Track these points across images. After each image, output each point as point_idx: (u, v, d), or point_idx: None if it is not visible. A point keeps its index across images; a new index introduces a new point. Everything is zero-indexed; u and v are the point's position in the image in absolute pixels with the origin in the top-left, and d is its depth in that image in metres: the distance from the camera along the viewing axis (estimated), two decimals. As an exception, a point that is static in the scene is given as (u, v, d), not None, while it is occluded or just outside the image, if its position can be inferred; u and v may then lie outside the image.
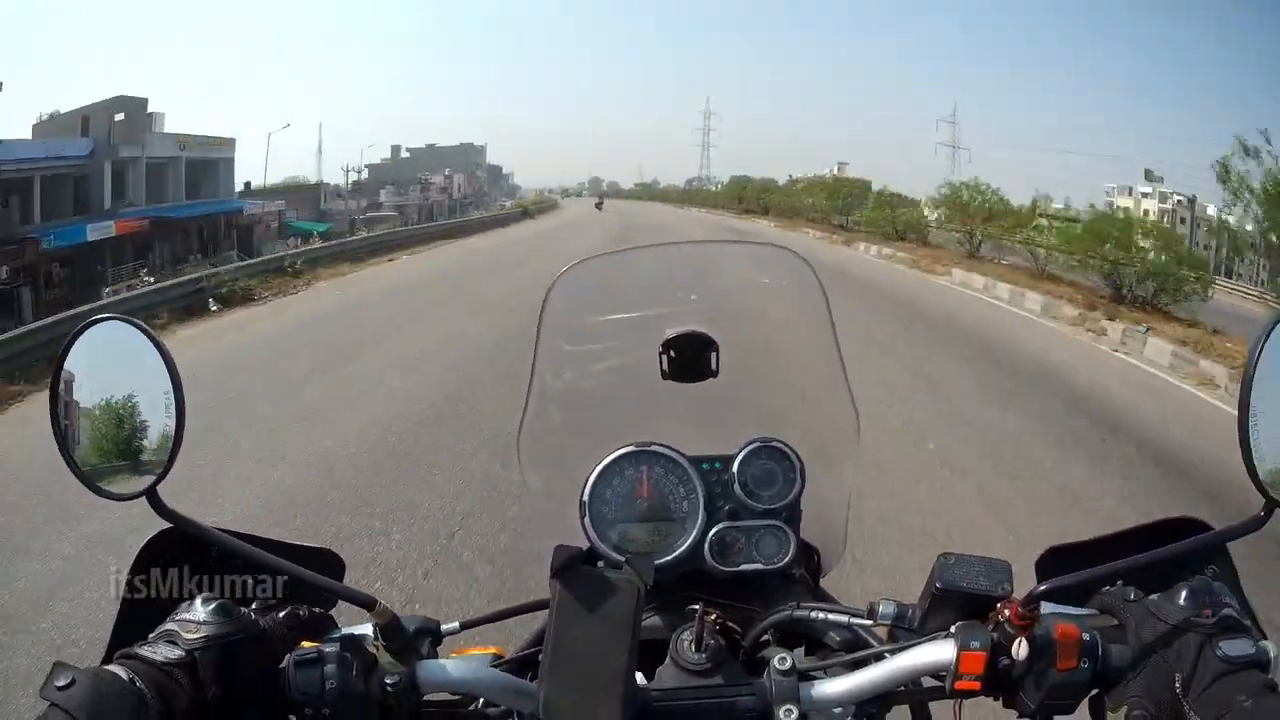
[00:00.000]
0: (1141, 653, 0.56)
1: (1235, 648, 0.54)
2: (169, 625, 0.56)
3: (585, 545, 0.73)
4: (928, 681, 0.60)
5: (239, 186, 25.72)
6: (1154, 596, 0.58)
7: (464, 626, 0.68)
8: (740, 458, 0.77)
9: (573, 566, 0.56)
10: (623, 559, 0.60)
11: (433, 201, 36.56)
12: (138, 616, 0.60)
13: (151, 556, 0.66)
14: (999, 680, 0.58)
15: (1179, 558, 0.60)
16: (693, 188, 50.12)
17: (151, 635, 0.55)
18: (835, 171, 34.97)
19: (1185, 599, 0.56)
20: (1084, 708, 0.59)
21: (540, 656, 0.56)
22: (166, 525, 0.58)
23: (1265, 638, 0.56)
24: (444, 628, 0.65)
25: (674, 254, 1.03)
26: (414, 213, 33.15)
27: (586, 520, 0.75)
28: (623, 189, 60.46)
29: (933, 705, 0.65)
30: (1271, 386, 0.56)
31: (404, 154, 47.27)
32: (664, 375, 0.82)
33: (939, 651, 0.58)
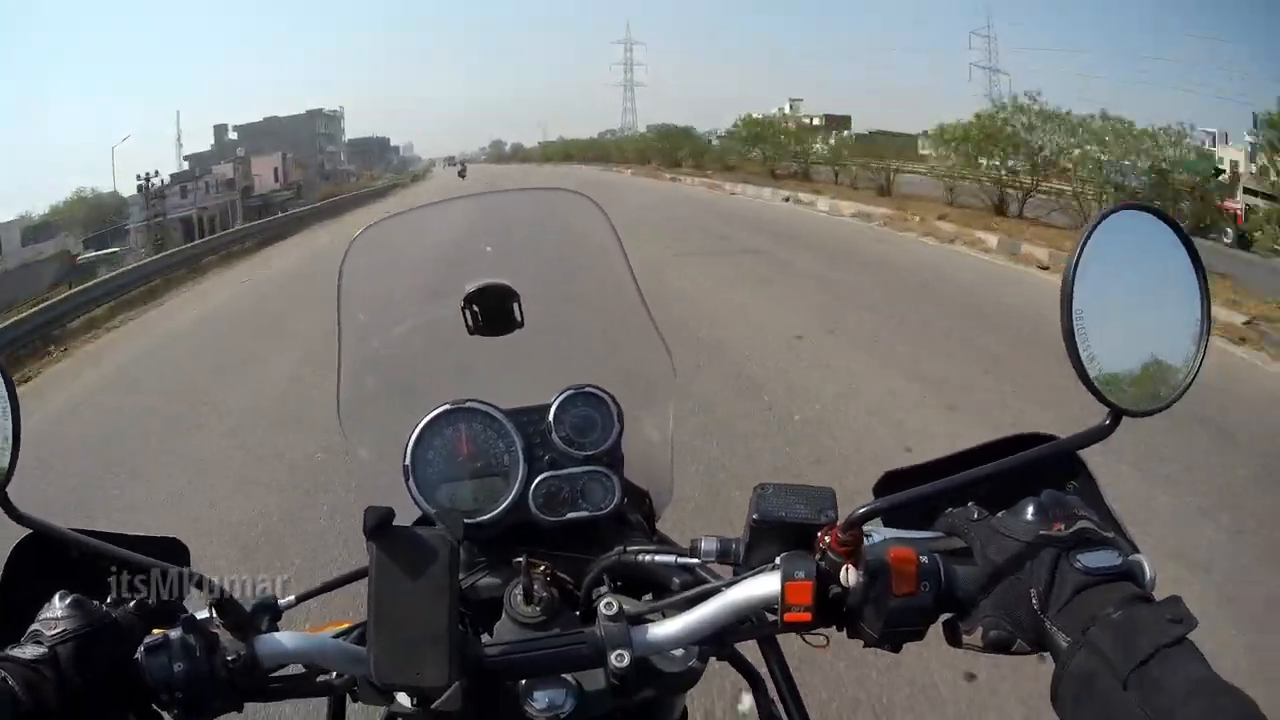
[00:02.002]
0: (990, 572, 0.60)
1: (1096, 559, 0.57)
2: (36, 625, 0.65)
3: (417, 512, 0.82)
4: (769, 617, 0.66)
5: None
6: (1000, 514, 0.63)
7: (299, 599, 0.77)
8: (556, 405, 0.85)
9: (384, 527, 0.62)
10: (434, 516, 0.68)
11: (229, 202, 33.34)
12: (11, 619, 0.68)
13: (19, 560, 0.74)
14: (833, 610, 0.63)
15: (1031, 473, 0.63)
16: (608, 139, 47.03)
17: (23, 637, 0.64)
18: (788, 110, 31.50)
19: (1033, 513, 0.60)
20: (940, 634, 0.64)
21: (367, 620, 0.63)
22: (27, 531, 0.67)
23: (1136, 551, 0.60)
24: (280, 602, 0.72)
25: (466, 208, 1.09)
26: (197, 221, 29.59)
27: (411, 483, 0.83)
28: (526, 149, 59.07)
29: (791, 637, 0.70)
30: (1099, 286, 0.58)
31: (230, 135, 39.62)
32: (470, 330, 0.90)
33: (765, 585, 0.64)
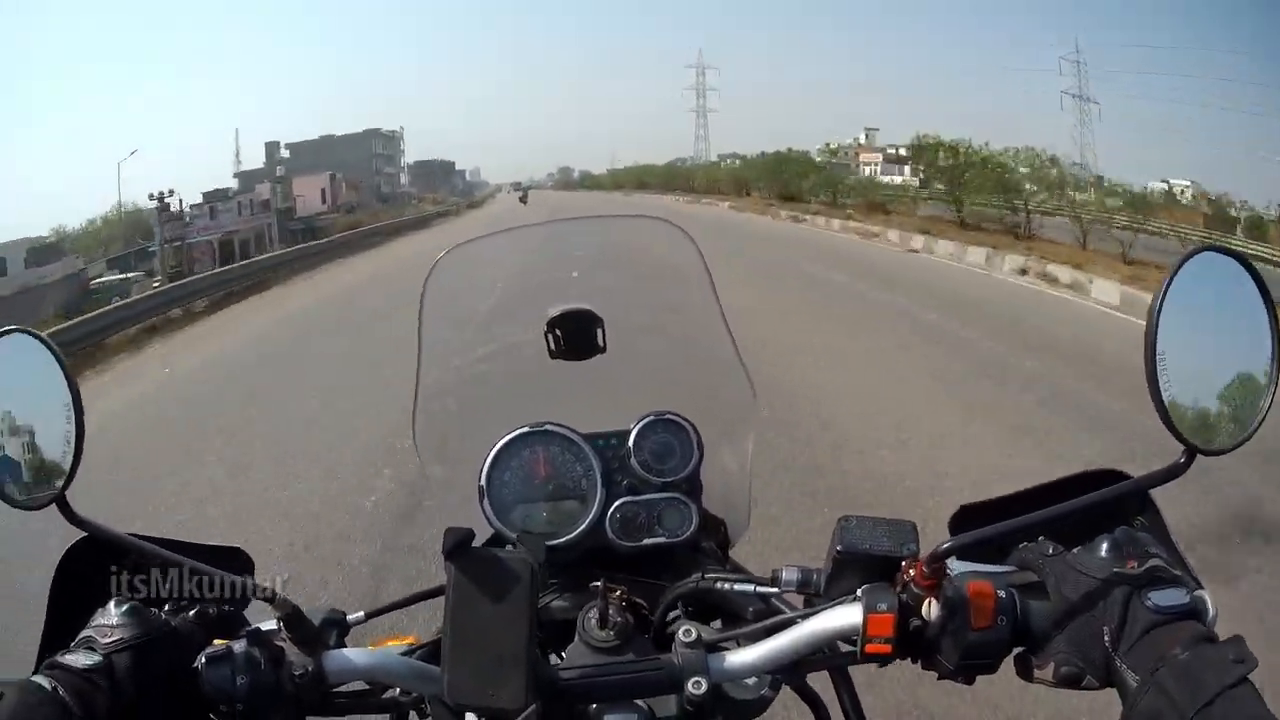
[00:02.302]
0: (1064, 608, 0.63)
1: (1166, 598, 0.60)
2: (88, 631, 0.66)
3: (489, 530, 0.86)
4: (843, 647, 0.69)
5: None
6: (1075, 550, 0.66)
7: (369, 616, 0.81)
8: (636, 432, 0.89)
9: (464, 548, 0.65)
10: (514, 539, 0.71)
11: (266, 224, 31.80)
12: (63, 625, 0.70)
13: (72, 565, 0.76)
14: (912, 642, 0.66)
15: (1101, 510, 0.67)
16: (681, 166, 46.05)
17: (74, 643, 0.66)
18: (863, 140, 31.08)
19: (1107, 550, 0.63)
20: (1011, 667, 0.67)
21: (441, 640, 0.66)
22: (83, 535, 0.70)
23: (1200, 588, 0.63)
24: (350, 618, 0.76)
25: (553, 232, 1.18)
26: (218, 246, 27.32)
27: (486, 504, 0.87)
28: (595, 175, 59.99)
29: (855, 669, 0.75)
30: (1180, 326, 0.61)
31: (283, 152, 37.41)
32: (552, 354, 0.95)
33: (846, 616, 0.66)
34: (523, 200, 37.70)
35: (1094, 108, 27.48)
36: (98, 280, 23.02)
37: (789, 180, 26.71)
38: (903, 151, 26.67)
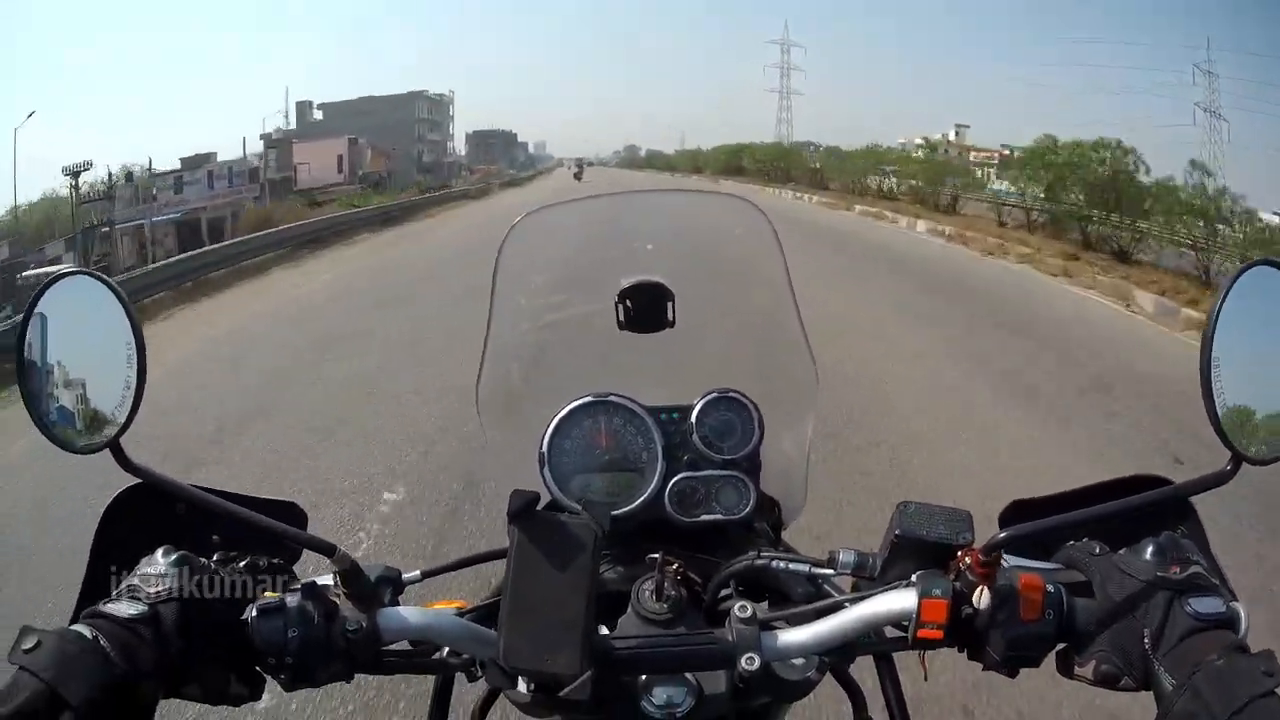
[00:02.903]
0: (1108, 607, 0.73)
1: (1205, 605, 0.70)
2: (133, 580, 0.73)
3: (547, 498, 0.98)
4: (891, 632, 0.79)
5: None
6: (1121, 551, 0.76)
7: (425, 575, 0.92)
8: (699, 408, 1.02)
9: (529, 511, 0.75)
10: (578, 506, 0.83)
11: (247, 199, 29.00)
12: (105, 573, 0.78)
13: (120, 511, 0.85)
14: (962, 631, 0.75)
15: (1144, 513, 0.77)
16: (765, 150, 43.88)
17: (115, 592, 0.73)
18: (953, 136, 32.07)
19: (1152, 554, 0.73)
20: (1049, 663, 0.77)
21: (500, 602, 0.74)
22: (132, 482, 0.77)
23: (1235, 598, 0.72)
24: (405, 576, 0.87)
25: (629, 203, 1.29)
26: (185, 229, 25.61)
27: (546, 471, 0.99)
28: (667, 155, 61.53)
29: (897, 657, 0.86)
30: (1235, 336, 0.71)
31: (315, 114, 38.52)
32: (620, 326, 1.06)
33: (900, 600, 0.76)
34: (578, 177, 38.92)
35: (1223, 125, 26.37)
36: (34, 272, 20.71)
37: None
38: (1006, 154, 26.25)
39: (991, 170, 25.07)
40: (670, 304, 1.06)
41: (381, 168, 37.51)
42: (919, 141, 30.66)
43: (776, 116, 50.74)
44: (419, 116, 44.21)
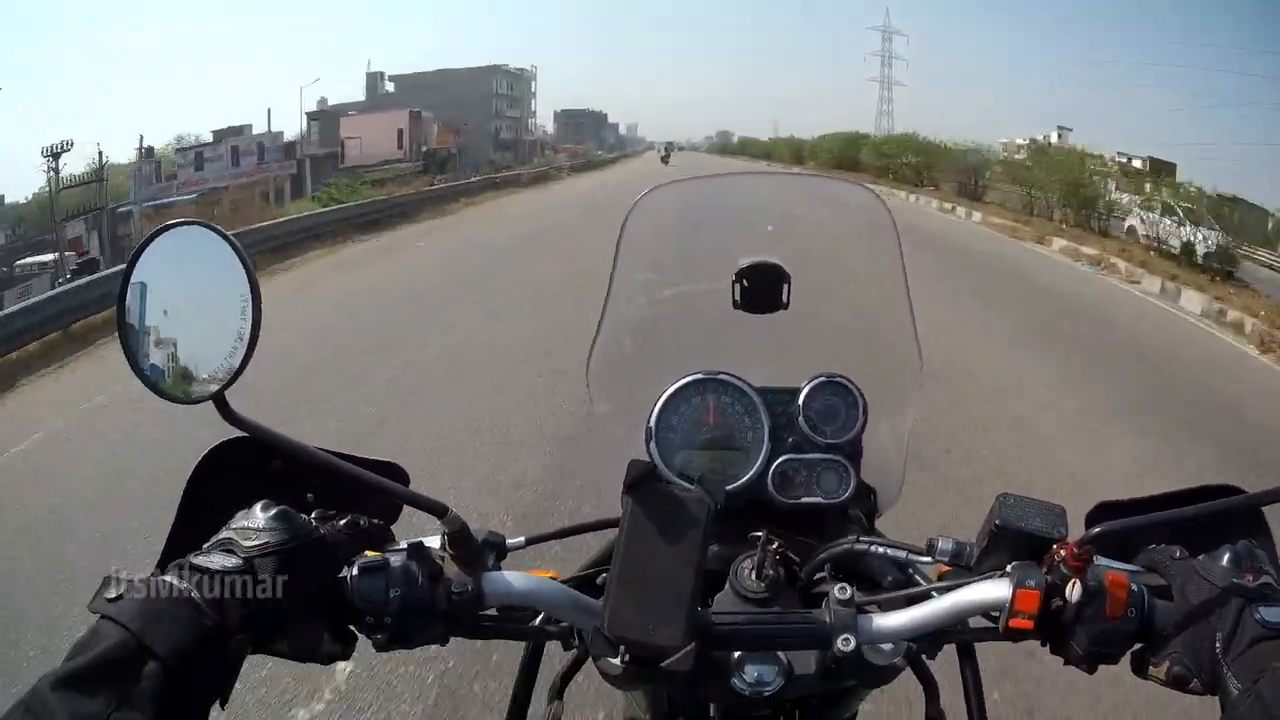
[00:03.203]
0: (1185, 610, 0.79)
1: (1275, 614, 0.75)
2: (226, 533, 0.77)
3: None
4: (980, 623, 0.85)
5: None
6: (1200, 557, 0.82)
7: (529, 542, 0.97)
8: (806, 391, 1.08)
9: (645, 482, 0.80)
10: (693, 481, 0.85)
11: (283, 177, 27.34)
12: (196, 525, 0.82)
13: (213, 465, 0.92)
14: (1050, 623, 0.81)
15: (1219, 521, 0.86)
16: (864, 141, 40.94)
17: (207, 544, 0.77)
18: (1055, 139, 30.15)
19: (1229, 561, 0.80)
20: (1125, 661, 0.83)
21: (607, 571, 0.80)
22: (233, 435, 0.81)
23: None
24: (509, 542, 0.93)
25: (750, 184, 1.50)
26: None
27: (652, 445, 1.06)
28: (762, 142, 61.19)
29: (984, 651, 0.93)
30: None
31: (387, 86, 39.63)
32: (735, 305, 1.13)
33: (995, 590, 0.82)
34: (665, 160, 39.65)
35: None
36: (28, 261, 20.70)
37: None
38: (1138, 164, 24.87)
39: (1110, 181, 23.42)
40: (786, 286, 1.12)
41: (451, 144, 37.08)
42: (1021, 142, 30.23)
43: (877, 108, 48.72)
44: (497, 91, 44.18)
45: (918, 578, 0.94)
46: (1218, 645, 0.76)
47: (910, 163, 32.19)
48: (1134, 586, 0.80)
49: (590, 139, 58.31)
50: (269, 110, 45.55)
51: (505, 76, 45.81)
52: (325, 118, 33.47)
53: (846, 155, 37.74)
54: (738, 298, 1.15)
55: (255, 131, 28.60)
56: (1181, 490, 0.93)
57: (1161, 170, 23.91)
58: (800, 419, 1.09)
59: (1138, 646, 0.82)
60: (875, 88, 47.85)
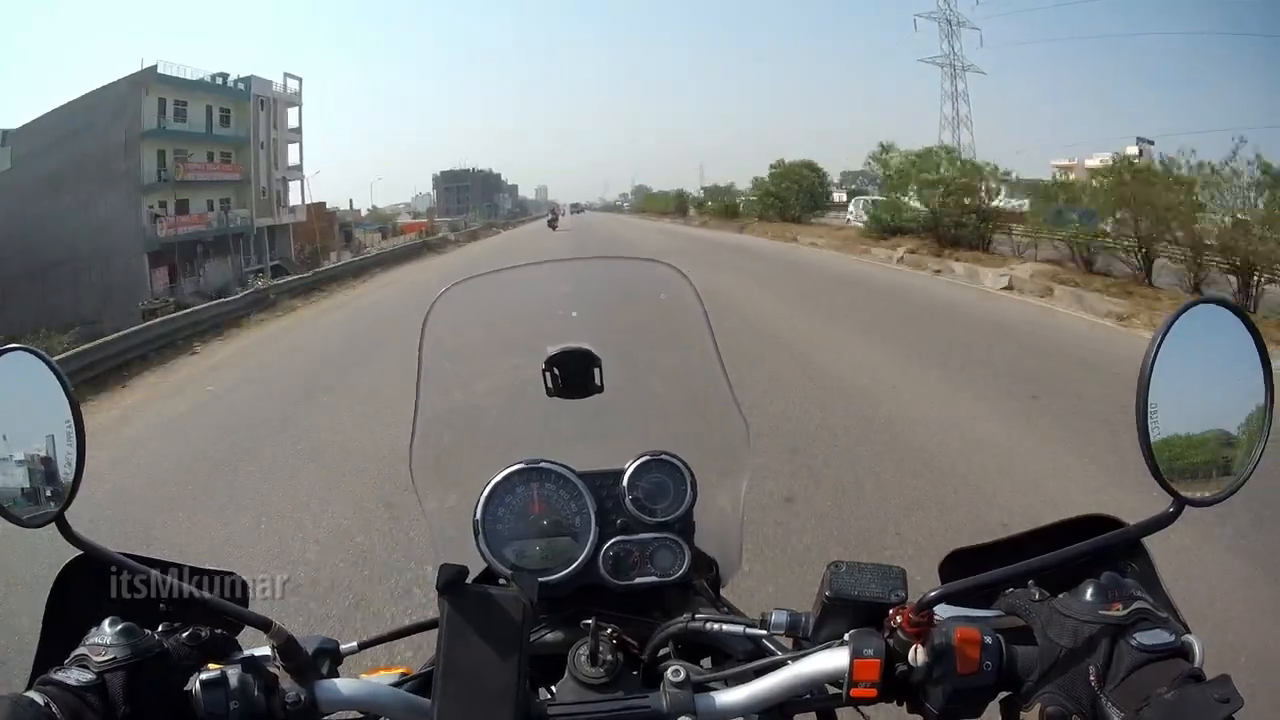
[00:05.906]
0: (1051, 651, 0.80)
1: (1152, 638, 0.76)
2: (81, 649, 0.82)
3: (482, 565, 1.06)
4: (830, 690, 0.87)
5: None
6: (1060, 596, 0.83)
7: (361, 646, 1.01)
8: (630, 471, 1.11)
9: (458, 584, 0.84)
10: (507, 574, 0.92)
11: None
12: (58, 642, 0.86)
13: (68, 582, 0.95)
14: (898, 686, 0.83)
15: (1091, 557, 0.84)
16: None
17: (67, 660, 0.81)
18: (1137, 154, 24.06)
19: (1091, 594, 0.80)
20: (996, 710, 0.84)
21: (433, 673, 0.83)
22: (79, 553, 0.87)
23: (1187, 630, 0.79)
24: (343, 648, 0.95)
25: (554, 271, 1.44)
26: None
27: (480, 539, 1.07)
28: (667, 195, 61.47)
29: (841, 713, 0.94)
30: (1173, 378, 0.78)
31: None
32: (549, 392, 1.16)
33: (834, 659, 0.84)
34: (552, 225, 39.34)
35: None
36: None
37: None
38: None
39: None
40: (598, 369, 1.16)
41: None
42: (1094, 164, 22.63)
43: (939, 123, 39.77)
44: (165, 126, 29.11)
45: (768, 644, 0.96)
46: (1092, 678, 0.76)
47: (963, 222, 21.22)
48: (987, 639, 0.81)
49: (479, 204, 55.60)
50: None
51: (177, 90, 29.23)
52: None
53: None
54: (549, 385, 1.17)
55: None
56: (1047, 526, 0.94)
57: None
58: (627, 500, 1.11)
59: (1003, 695, 0.83)
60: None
